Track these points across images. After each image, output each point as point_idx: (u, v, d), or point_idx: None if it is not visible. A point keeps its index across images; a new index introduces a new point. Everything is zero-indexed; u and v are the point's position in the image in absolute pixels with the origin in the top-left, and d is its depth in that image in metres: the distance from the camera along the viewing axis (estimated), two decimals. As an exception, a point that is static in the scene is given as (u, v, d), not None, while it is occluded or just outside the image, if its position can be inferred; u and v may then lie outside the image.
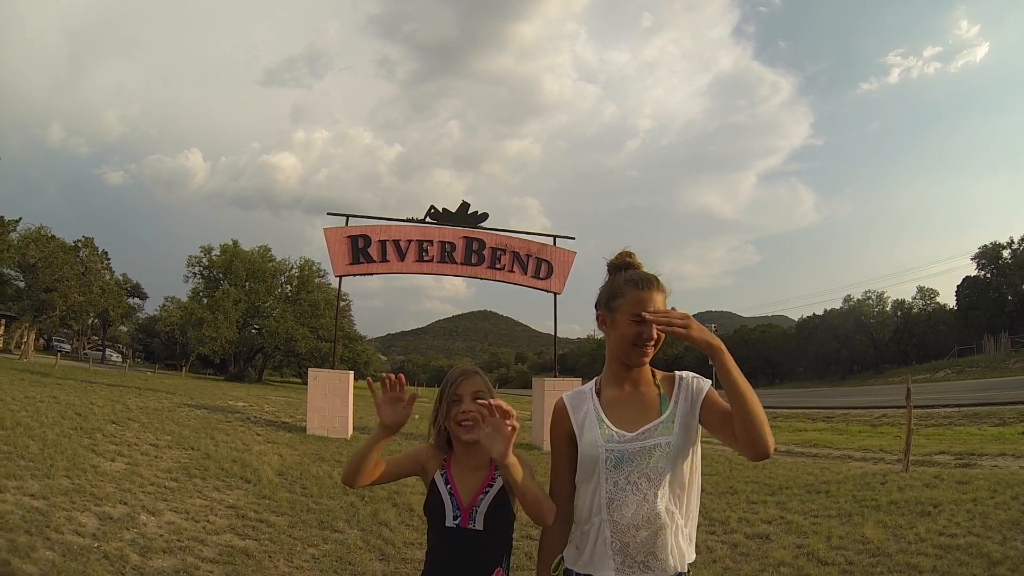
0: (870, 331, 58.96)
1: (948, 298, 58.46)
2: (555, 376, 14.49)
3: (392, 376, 1.68)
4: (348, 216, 14.18)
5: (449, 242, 14.31)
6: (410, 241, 14.19)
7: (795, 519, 6.00)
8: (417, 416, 12.33)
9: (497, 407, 1.56)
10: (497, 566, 1.72)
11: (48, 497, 5.28)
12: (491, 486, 1.74)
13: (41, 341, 46.71)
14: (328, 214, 14.22)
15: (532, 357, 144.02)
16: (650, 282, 1.65)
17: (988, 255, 50.36)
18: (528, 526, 5.08)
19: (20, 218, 35.05)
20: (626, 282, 1.66)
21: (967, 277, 52.71)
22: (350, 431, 12.85)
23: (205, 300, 42.58)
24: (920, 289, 61.22)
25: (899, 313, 60.14)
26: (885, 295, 62.46)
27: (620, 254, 1.76)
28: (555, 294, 14.53)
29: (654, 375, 1.73)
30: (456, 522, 1.71)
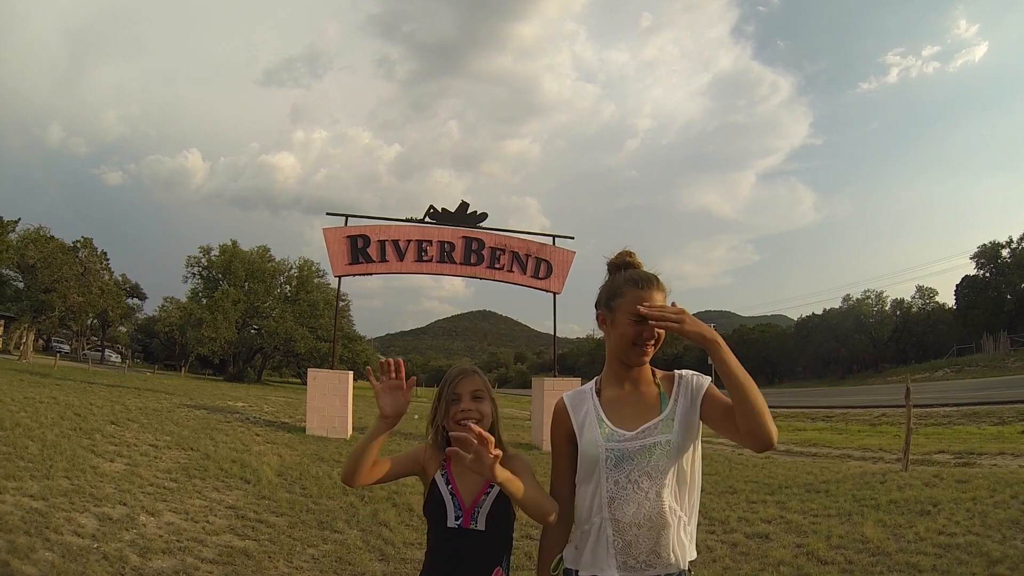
0: (869, 330, 58.96)
1: (947, 297, 58.58)
2: (554, 376, 14.47)
3: (391, 360, 1.67)
4: (347, 216, 14.16)
5: (448, 242, 14.30)
6: (409, 241, 14.18)
7: (795, 518, 6.00)
8: (416, 416, 12.34)
9: (477, 435, 1.51)
10: (497, 565, 1.72)
11: (47, 498, 5.28)
12: (493, 486, 1.73)
13: (40, 342, 46.69)
14: (327, 214, 14.21)
15: (531, 357, 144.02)
16: (650, 281, 1.65)
17: (987, 254, 50.38)
18: (528, 526, 5.08)
19: (19, 219, 35.16)
20: (626, 281, 1.66)
21: (966, 276, 52.78)
22: (349, 431, 12.85)
23: (204, 300, 42.58)
24: (919, 288, 61.25)
25: (898, 312, 60.13)
26: (884, 294, 62.47)
27: (620, 253, 1.76)
28: (554, 294, 14.52)
29: (654, 374, 1.72)
30: (458, 522, 1.70)
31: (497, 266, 14.43)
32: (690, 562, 1.62)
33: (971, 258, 51.53)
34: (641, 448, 1.59)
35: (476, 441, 1.50)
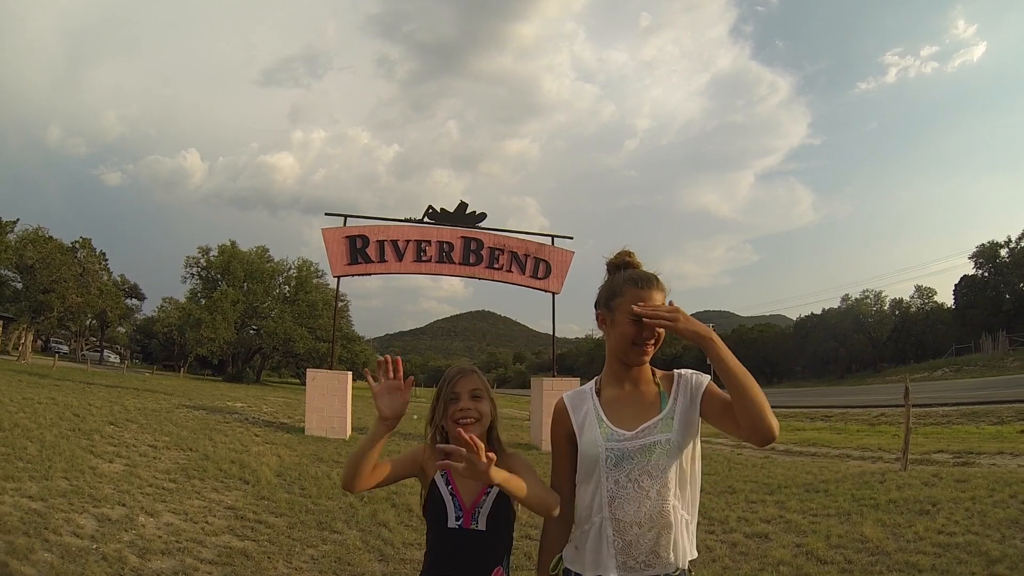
0: (868, 330, 58.97)
1: (946, 297, 58.56)
2: (553, 376, 14.47)
3: (389, 358, 1.66)
4: (346, 216, 14.15)
5: (447, 242, 14.29)
6: (408, 241, 14.18)
7: (794, 518, 6.00)
8: (416, 416, 12.31)
9: (467, 443, 1.49)
10: (497, 565, 1.72)
11: (46, 499, 5.27)
12: (493, 487, 1.73)
13: (39, 342, 46.65)
14: (326, 214, 14.21)
15: (530, 357, 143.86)
16: (650, 281, 1.65)
17: (986, 254, 50.41)
18: (528, 526, 5.09)
19: (18, 219, 35.10)
20: (625, 281, 1.66)
21: (965, 276, 52.79)
22: (348, 432, 12.84)
23: (203, 301, 42.54)
24: (918, 288, 61.21)
25: (897, 312, 60.11)
26: (883, 294, 62.42)
27: (619, 253, 1.76)
28: (553, 294, 14.52)
29: (654, 374, 1.72)
30: (459, 523, 1.69)
31: (496, 266, 14.43)
32: (690, 561, 1.61)
33: (970, 258, 51.61)
34: (641, 447, 1.58)
35: (464, 451, 1.48)
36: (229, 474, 7.29)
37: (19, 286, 34.63)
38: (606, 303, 1.70)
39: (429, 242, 14.24)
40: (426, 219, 14.38)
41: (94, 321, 49.90)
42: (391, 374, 1.67)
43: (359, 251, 13.86)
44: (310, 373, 13.70)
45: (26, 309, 33.55)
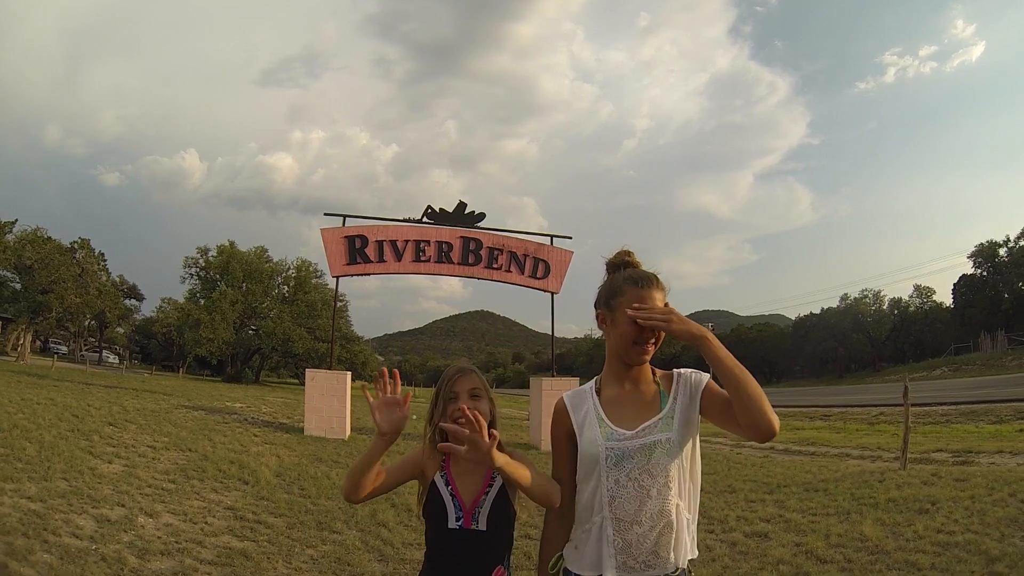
0: (867, 329, 58.98)
1: (945, 296, 58.54)
2: (552, 376, 14.47)
3: (387, 371, 1.64)
4: (345, 216, 14.14)
5: (446, 242, 14.29)
6: (407, 241, 14.17)
7: (793, 517, 6.01)
8: (415, 416, 12.30)
9: (470, 420, 1.50)
10: (499, 564, 1.72)
11: (45, 499, 5.26)
12: (492, 485, 1.73)
13: (38, 343, 46.56)
14: (325, 214, 14.20)
15: (529, 357, 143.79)
16: (649, 280, 1.65)
17: (984, 253, 50.41)
18: (528, 526, 5.09)
19: (16, 220, 35.01)
20: (625, 280, 1.66)
21: (963, 275, 52.75)
22: (348, 432, 12.84)
23: (202, 301, 42.46)
24: (917, 287, 61.19)
25: (896, 311, 60.12)
26: (882, 293, 62.37)
27: (619, 253, 1.76)
28: (552, 294, 14.52)
29: (654, 373, 1.73)
30: (459, 523, 1.69)
31: (495, 266, 14.43)
32: (690, 561, 1.61)
33: (968, 257, 51.59)
34: (641, 447, 1.58)
35: (468, 431, 1.49)
36: (228, 474, 7.28)
37: (18, 287, 34.57)
38: (606, 302, 1.70)
39: (428, 242, 14.24)
40: (425, 219, 14.38)
41: (93, 322, 49.87)
42: (388, 389, 1.64)
43: (358, 251, 13.86)
44: (309, 373, 13.69)
45: (25, 310, 33.51)
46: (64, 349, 48.85)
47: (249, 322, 45.09)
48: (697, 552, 1.65)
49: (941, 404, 17.15)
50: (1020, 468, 7.73)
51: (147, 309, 59.67)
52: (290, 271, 47.45)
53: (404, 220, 14.43)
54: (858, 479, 7.76)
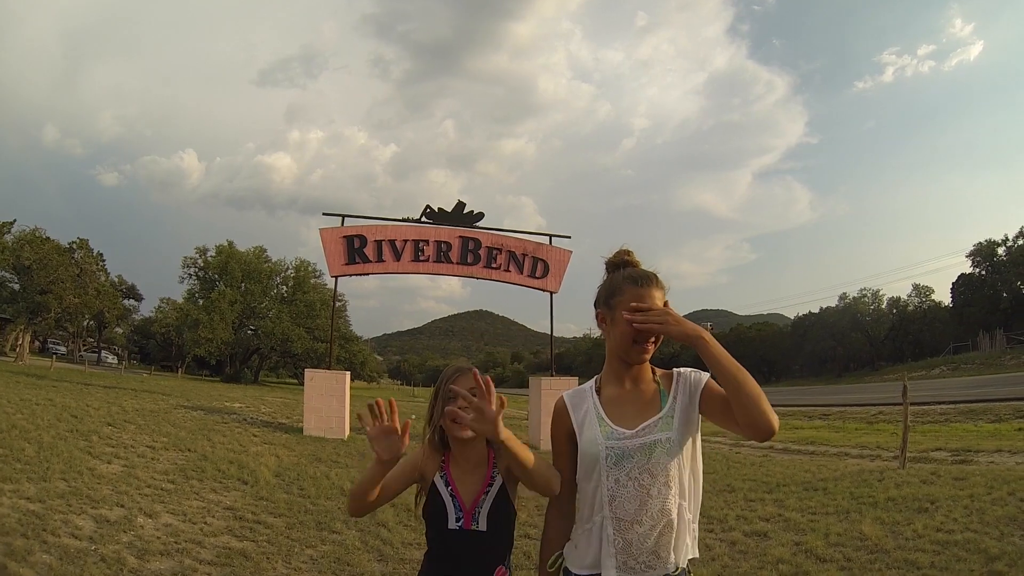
0: (866, 329, 59.03)
1: (943, 295, 58.55)
2: (551, 375, 14.47)
3: (382, 401, 1.62)
4: (344, 216, 14.14)
5: (445, 242, 14.29)
6: (406, 241, 14.17)
7: (793, 516, 6.01)
8: (414, 416, 12.29)
9: (479, 385, 1.51)
10: (500, 564, 1.72)
11: (44, 500, 5.26)
12: (491, 485, 1.73)
13: (36, 343, 46.51)
14: (323, 214, 14.21)
15: (528, 356, 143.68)
16: (649, 279, 1.65)
17: (983, 252, 50.44)
18: (528, 526, 5.09)
19: (15, 220, 34.96)
20: (624, 280, 1.66)
21: (962, 274, 52.76)
22: (347, 431, 12.83)
23: (201, 301, 42.43)
24: (915, 287, 61.19)
25: (894, 311, 60.16)
26: (880, 293, 62.39)
27: (618, 252, 1.76)
28: (551, 293, 14.53)
29: (654, 372, 1.72)
30: (459, 524, 1.69)
31: (494, 266, 14.43)
32: (690, 560, 1.61)
33: (967, 256, 51.60)
34: (641, 446, 1.58)
35: (475, 397, 1.49)
36: (227, 475, 7.28)
37: (16, 287, 34.52)
38: (606, 302, 1.70)
39: (427, 242, 14.23)
40: (424, 219, 14.38)
41: (92, 322, 49.84)
42: (385, 419, 1.62)
43: (357, 251, 13.85)
44: (308, 373, 13.68)
45: (23, 310, 33.46)
46: (63, 349, 48.75)
47: (248, 322, 45.08)
48: (698, 552, 1.65)
49: (940, 403, 17.15)
50: (1019, 467, 7.73)
51: (146, 309, 59.75)
52: (289, 271, 47.45)
53: (403, 220, 14.43)
54: (857, 478, 7.76)
